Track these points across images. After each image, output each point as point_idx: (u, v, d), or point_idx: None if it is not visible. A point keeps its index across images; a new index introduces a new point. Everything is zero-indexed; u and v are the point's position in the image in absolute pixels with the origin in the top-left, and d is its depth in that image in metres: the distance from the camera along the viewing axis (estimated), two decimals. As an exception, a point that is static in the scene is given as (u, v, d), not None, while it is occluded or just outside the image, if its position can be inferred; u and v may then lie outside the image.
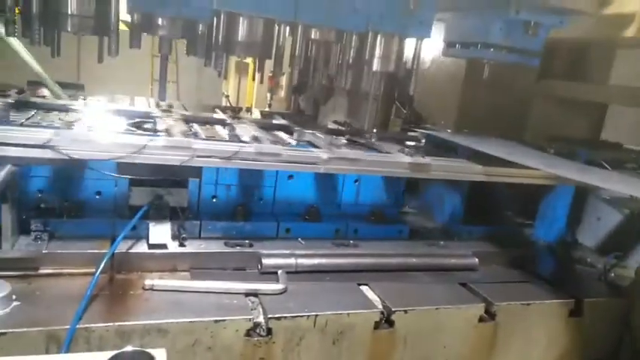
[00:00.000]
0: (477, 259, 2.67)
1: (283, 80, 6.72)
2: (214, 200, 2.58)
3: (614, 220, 3.02)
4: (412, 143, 3.17)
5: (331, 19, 2.59)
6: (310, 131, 2.83)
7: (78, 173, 2.33)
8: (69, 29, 2.29)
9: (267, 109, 3.82)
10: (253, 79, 9.27)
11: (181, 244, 2.31)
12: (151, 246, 2.24)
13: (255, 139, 2.38)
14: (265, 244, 2.45)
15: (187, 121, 2.80)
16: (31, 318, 1.74)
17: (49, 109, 2.76)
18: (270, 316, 1.97)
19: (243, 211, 2.57)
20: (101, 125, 2.36)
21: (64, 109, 2.76)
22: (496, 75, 3.20)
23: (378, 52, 2.75)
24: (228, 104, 7.55)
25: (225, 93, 9.93)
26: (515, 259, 2.83)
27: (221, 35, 2.51)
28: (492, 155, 2.65)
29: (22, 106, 2.67)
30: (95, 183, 2.36)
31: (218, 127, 2.82)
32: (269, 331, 1.98)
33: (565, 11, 2.85)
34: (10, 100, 2.58)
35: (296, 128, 2.91)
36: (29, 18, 2.19)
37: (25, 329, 1.69)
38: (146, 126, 2.59)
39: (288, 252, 2.38)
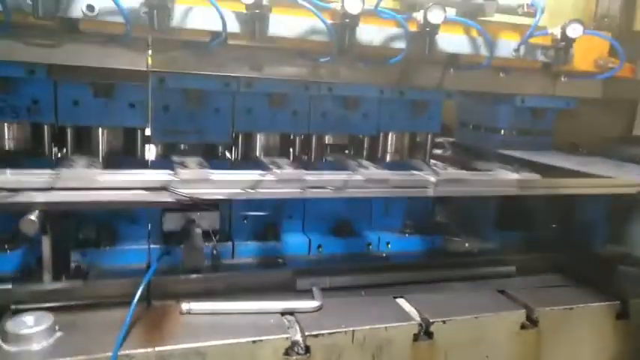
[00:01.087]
0: (513, 266, 2.62)
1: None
2: (245, 221, 2.61)
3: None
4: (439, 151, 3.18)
5: (343, 127, 2.74)
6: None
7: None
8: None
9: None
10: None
11: (215, 267, 2.33)
12: (186, 270, 2.27)
13: (360, 166, 2.43)
14: (298, 261, 2.45)
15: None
16: (75, 348, 1.77)
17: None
18: (307, 333, 1.96)
19: (274, 230, 2.58)
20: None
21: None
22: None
23: (389, 148, 2.91)
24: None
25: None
26: (553, 263, 2.76)
27: (240, 152, 2.68)
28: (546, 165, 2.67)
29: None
30: (129, 212, 2.42)
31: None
32: (307, 349, 1.96)
33: (572, 97, 2.91)
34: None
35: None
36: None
37: (69, 359, 1.72)
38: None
39: (321, 268, 2.38)
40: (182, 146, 2.59)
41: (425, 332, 2.11)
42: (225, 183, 2.07)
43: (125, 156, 2.52)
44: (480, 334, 2.19)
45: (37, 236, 2.00)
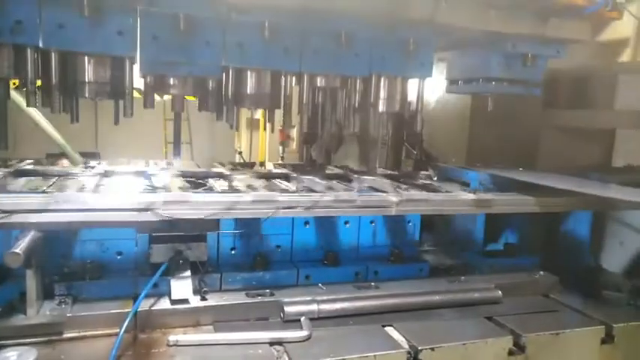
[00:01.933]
0: (500, 292, 2.64)
1: (294, 133, 6.88)
2: (233, 252, 2.61)
3: (638, 243, 2.98)
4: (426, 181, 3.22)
5: (335, 66, 2.70)
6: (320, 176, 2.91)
7: (99, 235, 2.39)
8: (86, 95, 2.40)
9: (279, 162, 3.90)
10: (265, 130, 9.51)
11: (203, 298, 2.32)
12: (174, 302, 2.25)
13: (329, 188, 2.59)
14: (286, 291, 2.45)
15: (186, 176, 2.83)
16: (59, 382, 1.75)
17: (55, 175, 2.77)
18: (296, 363, 1.95)
19: (262, 261, 2.58)
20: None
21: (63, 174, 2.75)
22: (502, 109, 3.27)
23: (382, 94, 2.85)
24: (242, 160, 7.70)
25: (238, 149, 10.13)
26: (539, 288, 2.79)
27: (230, 90, 2.60)
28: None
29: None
30: (116, 243, 2.41)
31: (212, 181, 2.83)
32: (296, 379, 1.95)
33: (561, 40, 2.93)
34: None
35: (294, 175, 2.99)
36: (48, 88, 2.32)
37: (53, 394, 1.70)
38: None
39: (309, 298, 2.38)
40: (172, 80, 2.51)
41: (414, 360, 2.11)
42: (203, 204, 2.16)
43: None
44: (469, 361, 2.20)
45: (20, 270, 2.00)
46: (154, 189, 2.44)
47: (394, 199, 2.48)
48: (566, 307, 2.60)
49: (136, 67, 2.43)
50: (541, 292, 2.79)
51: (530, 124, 3.84)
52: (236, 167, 3.11)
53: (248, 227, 2.60)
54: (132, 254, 2.44)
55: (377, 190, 2.71)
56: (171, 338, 2.06)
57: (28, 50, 2.24)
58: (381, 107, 2.86)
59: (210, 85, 2.60)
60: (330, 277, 2.63)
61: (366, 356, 2.03)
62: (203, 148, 10.34)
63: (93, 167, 2.93)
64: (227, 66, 2.55)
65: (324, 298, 2.40)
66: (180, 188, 2.43)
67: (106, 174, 2.79)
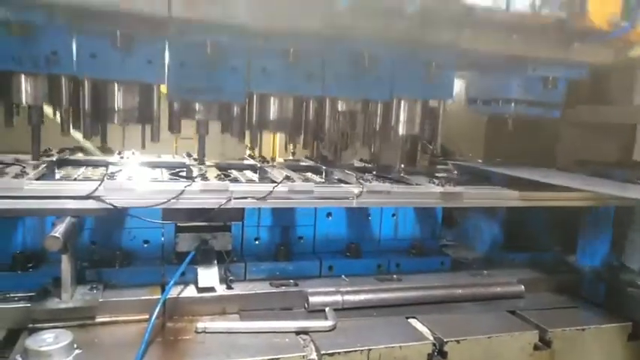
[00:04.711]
0: (522, 286, 2.64)
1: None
2: (257, 242, 2.64)
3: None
4: (444, 175, 3.21)
5: (356, 90, 2.73)
6: (338, 170, 2.90)
7: (127, 224, 2.43)
8: (115, 122, 2.47)
9: (290, 158, 3.90)
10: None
11: (229, 287, 2.35)
12: (200, 290, 2.28)
13: (288, 178, 2.45)
14: (310, 282, 2.47)
15: (221, 168, 2.91)
16: (93, 365, 1.79)
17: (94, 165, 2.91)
18: (323, 352, 1.97)
19: (285, 251, 2.61)
20: (141, 176, 2.47)
21: (104, 164, 2.87)
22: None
23: (402, 117, 2.88)
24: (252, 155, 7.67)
25: (249, 145, 10.11)
26: (561, 284, 2.80)
27: (255, 115, 2.68)
28: (528, 180, 2.67)
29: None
30: (143, 232, 2.45)
31: (250, 173, 2.95)
32: (323, 368, 1.98)
33: (583, 64, 2.89)
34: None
35: (324, 168, 3.00)
36: (80, 114, 2.41)
37: (88, 376, 1.74)
38: (183, 174, 2.70)
39: (333, 289, 2.40)
40: (197, 106, 2.57)
41: (439, 352, 2.13)
42: (149, 193, 2.12)
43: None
44: (494, 354, 2.21)
45: (54, 255, 2.05)
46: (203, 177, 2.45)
47: (355, 190, 2.40)
48: (590, 304, 2.60)
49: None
50: (563, 287, 2.78)
51: (549, 121, 3.81)
52: (265, 160, 3.16)
53: (272, 218, 2.64)
54: (158, 243, 2.49)
55: (343, 182, 2.63)
56: (200, 325, 2.09)
57: (63, 79, 2.33)
58: (401, 130, 2.89)
59: (235, 110, 2.66)
60: (352, 269, 2.65)
61: (392, 347, 2.05)
62: (212, 143, 10.34)
63: (127, 157, 2.99)
64: (251, 92, 2.61)
65: (348, 289, 2.43)
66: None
67: (149, 164, 2.89)
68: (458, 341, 2.14)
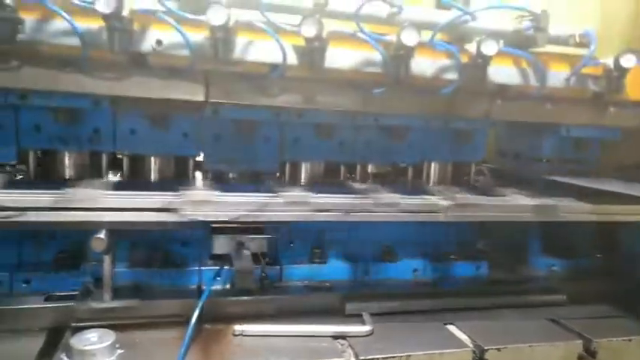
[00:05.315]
0: (564, 295, 2.58)
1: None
2: (292, 245, 2.64)
3: None
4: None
5: (387, 156, 2.79)
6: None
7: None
8: None
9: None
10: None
11: (265, 290, 2.36)
12: (237, 292, 2.29)
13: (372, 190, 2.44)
14: (345, 286, 2.46)
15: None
16: (136, 365, 1.82)
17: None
18: (362, 357, 1.96)
19: (320, 255, 2.60)
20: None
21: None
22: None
23: (433, 177, 2.91)
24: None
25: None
26: (604, 293, 2.71)
27: (286, 177, 2.73)
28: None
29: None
30: (180, 234, 2.47)
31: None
32: (362, 373, 1.96)
33: (618, 127, 2.81)
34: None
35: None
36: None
37: (132, 376, 1.76)
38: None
39: (370, 293, 2.38)
40: (230, 175, 2.66)
41: (479, 360, 2.09)
42: (228, 205, 2.11)
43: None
44: (536, 364, 2.16)
45: (96, 256, 2.08)
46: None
47: (444, 203, 2.32)
48: (635, 314, 2.51)
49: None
50: (606, 296, 2.70)
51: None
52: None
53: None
54: (195, 245, 2.51)
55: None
56: (237, 328, 2.10)
57: (103, 155, 2.47)
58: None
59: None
60: (388, 273, 2.63)
61: (432, 354, 2.02)
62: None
63: None
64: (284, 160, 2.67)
65: (385, 293, 2.41)
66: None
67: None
68: (499, 349, 2.09)
